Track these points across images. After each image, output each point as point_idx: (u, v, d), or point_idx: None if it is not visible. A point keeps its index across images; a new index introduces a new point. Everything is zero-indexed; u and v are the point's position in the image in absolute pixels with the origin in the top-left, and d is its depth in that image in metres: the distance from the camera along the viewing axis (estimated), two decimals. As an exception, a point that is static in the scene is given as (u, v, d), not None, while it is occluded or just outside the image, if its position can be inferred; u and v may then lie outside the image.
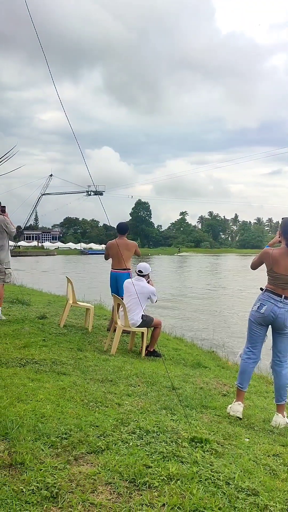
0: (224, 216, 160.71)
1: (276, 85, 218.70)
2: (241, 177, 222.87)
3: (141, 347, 6.41)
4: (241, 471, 2.61)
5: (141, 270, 6.29)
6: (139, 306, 6.12)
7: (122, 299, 6.26)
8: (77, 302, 7.40)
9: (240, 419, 3.82)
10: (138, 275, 6.31)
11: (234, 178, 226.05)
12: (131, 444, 2.74)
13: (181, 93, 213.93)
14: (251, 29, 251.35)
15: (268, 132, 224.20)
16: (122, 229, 7.35)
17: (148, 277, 6.42)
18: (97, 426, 2.96)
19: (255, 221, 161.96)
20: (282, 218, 4.05)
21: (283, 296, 3.86)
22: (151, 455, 2.62)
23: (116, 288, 7.11)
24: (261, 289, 4.03)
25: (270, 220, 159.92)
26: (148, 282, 6.34)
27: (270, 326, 3.97)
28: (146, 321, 6.23)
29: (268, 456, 2.99)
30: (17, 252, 70.90)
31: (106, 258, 7.44)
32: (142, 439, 2.86)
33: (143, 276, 6.29)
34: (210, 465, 2.60)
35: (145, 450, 2.68)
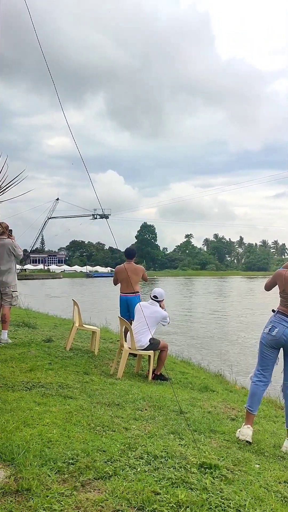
0: (229, 239, 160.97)
1: (278, 109, 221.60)
2: (246, 199, 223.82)
3: (148, 370, 6.34)
4: (252, 498, 2.54)
5: (156, 296, 6.33)
6: (150, 329, 6.12)
7: (132, 322, 6.27)
8: (83, 325, 7.38)
9: (250, 443, 3.74)
10: (153, 299, 6.33)
11: (238, 200, 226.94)
12: (139, 469, 2.69)
13: (184, 117, 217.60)
14: (251, 55, 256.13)
15: (272, 155, 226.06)
16: (129, 253, 7.51)
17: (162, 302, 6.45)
18: (104, 451, 2.91)
19: (260, 243, 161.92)
20: None
21: None
22: (159, 481, 2.57)
23: (127, 312, 7.18)
24: (273, 310, 4.00)
25: (275, 242, 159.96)
26: (160, 306, 6.36)
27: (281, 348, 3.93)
28: (153, 344, 6.19)
29: (279, 483, 2.92)
30: (23, 275, 71.07)
31: (115, 283, 7.51)
32: (150, 464, 2.80)
33: (157, 301, 6.31)
34: (220, 492, 2.54)
35: (153, 476, 2.63)
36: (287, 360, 3.93)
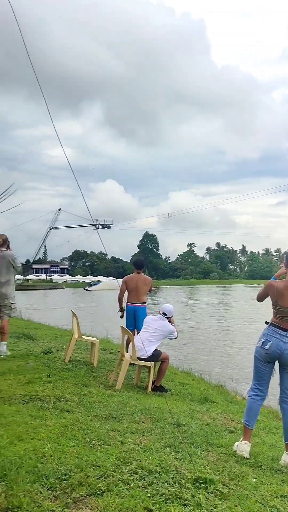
0: (231, 247, 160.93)
1: (274, 117, 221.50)
2: (247, 208, 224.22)
3: (148, 382, 6.31)
4: (246, 514, 2.51)
5: (165, 313, 6.34)
6: (155, 341, 6.18)
7: (138, 332, 6.28)
8: (82, 337, 7.35)
9: (248, 459, 3.69)
10: (161, 316, 6.35)
11: (239, 209, 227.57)
12: (132, 485, 2.66)
13: (180, 126, 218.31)
14: (246, 63, 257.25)
15: (271, 163, 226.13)
16: (139, 264, 7.65)
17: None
18: (98, 466, 2.88)
19: (263, 251, 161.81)
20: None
21: None
22: (152, 497, 2.54)
23: (134, 321, 7.20)
24: (266, 322, 3.95)
25: (278, 250, 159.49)
26: (169, 320, 6.38)
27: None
28: (155, 355, 6.18)
29: (276, 497, 2.88)
30: (25, 286, 71.07)
31: (123, 292, 7.47)
32: (144, 479, 2.77)
33: (166, 318, 6.34)
34: (214, 507, 2.51)
35: (146, 491, 2.60)
36: (283, 373, 3.86)
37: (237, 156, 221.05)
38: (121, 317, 7.61)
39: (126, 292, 7.44)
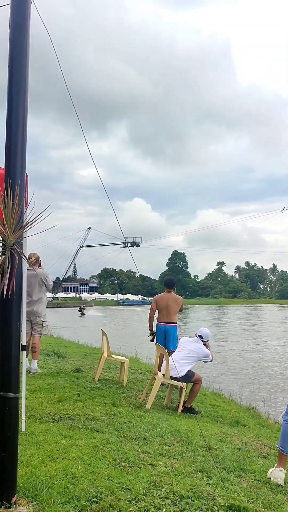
0: (261, 266, 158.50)
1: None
2: (276, 226, 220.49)
3: (178, 402, 6.22)
4: None
5: (201, 336, 6.34)
6: (188, 363, 6.15)
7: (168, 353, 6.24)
8: (112, 355, 7.35)
9: (282, 486, 3.57)
10: (197, 338, 6.35)
11: (268, 227, 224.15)
12: (164, 510, 2.61)
13: (208, 144, 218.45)
14: (271, 80, 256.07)
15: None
16: (170, 283, 7.65)
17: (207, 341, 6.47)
18: (129, 489, 2.84)
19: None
20: None
21: None
22: (185, 523, 2.48)
23: (164, 341, 7.15)
24: None
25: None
26: (205, 345, 6.37)
27: None
28: (188, 376, 6.12)
29: (313, 528, 2.76)
30: (55, 304, 71.88)
31: (153, 310, 7.39)
32: (176, 505, 2.72)
33: (202, 341, 6.33)
34: (249, 537, 2.43)
35: (178, 517, 2.54)
36: None
37: (266, 173, 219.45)
38: (152, 341, 7.53)
39: (157, 312, 7.40)
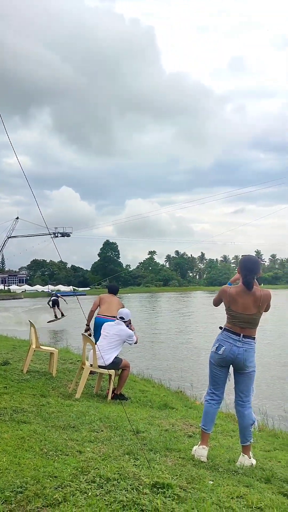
0: (191, 255, 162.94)
1: (226, 125, 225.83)
2: (205, 216, 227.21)
3: (108, 390, 6.28)
4: (203, 516, 2.54)
5: (122, 317, 6.34)
6: (114, 349, 6.14)
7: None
8: (40, 346, 7.24)
9: (205, 462, 3.74)
10: (119, 320, 6.34)
11: (198, 217, 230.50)
12: (90, 494, 2.64)
13: (133, 134, 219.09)
14: (196, 71, 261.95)
15: (226, 171, 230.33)
16: (115, 290, 7.95)
17: (130, 323, 6.48)
18: (55, 477, 2.84)
19: (221, 258, 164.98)
20: (242, 256, 4.12)
21: (242, 335, 3.80)
22: (110, 504, 2.53)
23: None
24: (220, 328, 4.02)
25: (236, 257, 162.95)
26: (129, 327, 6.38)
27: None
28: (116, 363, 6.15)
29: (232, 498, 2.93)
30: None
31: (96, 305, 7.55)
32: (102, 488, 2.76)
33: (124, 322, 6.32)
34: (172, 511, 2.53)
35: (104, 499, 2.59)
36: (238, 377, 3.92)
37: (192, 165, 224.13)
38: (89, 335, 7.52)
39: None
